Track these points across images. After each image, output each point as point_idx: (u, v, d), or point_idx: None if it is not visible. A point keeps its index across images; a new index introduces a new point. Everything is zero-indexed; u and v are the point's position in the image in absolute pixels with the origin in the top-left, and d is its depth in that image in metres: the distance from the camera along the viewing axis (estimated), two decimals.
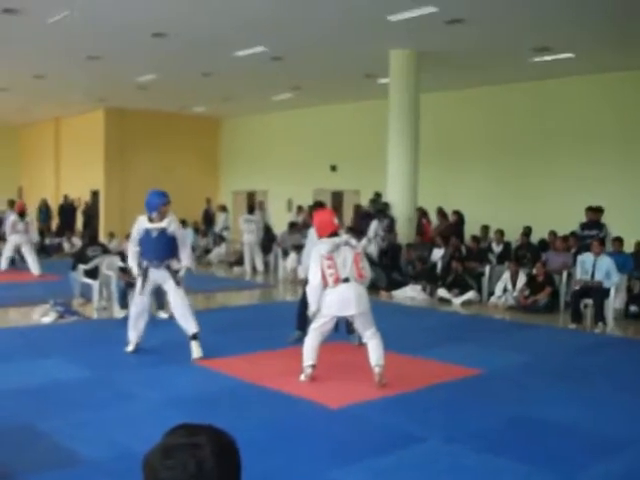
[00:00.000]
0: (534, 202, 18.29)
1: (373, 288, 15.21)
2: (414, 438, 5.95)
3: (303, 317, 9.73)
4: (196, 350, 8.63)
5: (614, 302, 12.15)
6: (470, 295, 14.26)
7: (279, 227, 20.92)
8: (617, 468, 5.44)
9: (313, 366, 7.65)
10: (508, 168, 19.13)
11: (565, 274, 13.76)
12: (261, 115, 26.88)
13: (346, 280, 7.36)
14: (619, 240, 13.63)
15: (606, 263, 12.00)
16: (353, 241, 7.71)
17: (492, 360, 8.97)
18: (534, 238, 16.47)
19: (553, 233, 15.91)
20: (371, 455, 5.54)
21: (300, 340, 8.14)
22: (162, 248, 8.71)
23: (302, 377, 7.66)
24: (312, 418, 6.51)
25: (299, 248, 17.89)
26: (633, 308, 12.66)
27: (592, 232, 14.00)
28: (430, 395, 7.35)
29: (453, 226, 17.59)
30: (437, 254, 16.10)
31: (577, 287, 12.27)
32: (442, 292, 14.50)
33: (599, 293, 11.96)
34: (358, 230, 16.73)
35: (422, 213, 18.02)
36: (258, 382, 7.66)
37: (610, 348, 10.20)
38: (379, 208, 17.61)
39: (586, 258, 12.27)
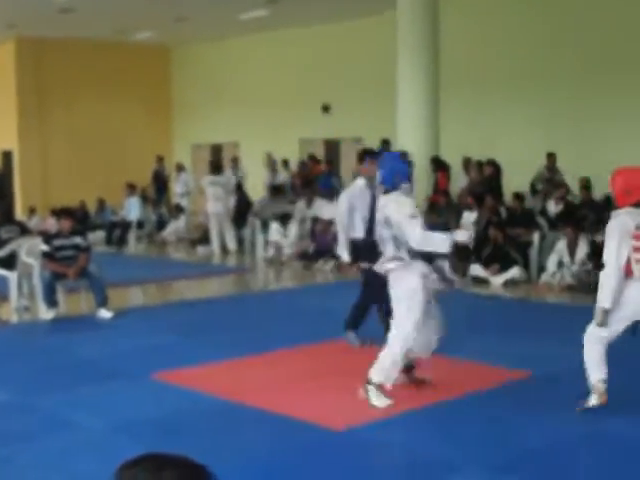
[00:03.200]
0: (598, 145, 18.19)
1: None
2: (447, 467, 5.97)
3: (360, 316, 9.76)
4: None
5: None
6: (514, 272, 14.28)
7: (254, 192, 20.89)
8: None
9: (605, 380, 7.30)
10: (564, 101, 18.99)
11: None
12: (225, 41, 26.71)
13: None
14: None
15: None
16: None
17: (546, 359, 8.96)
18: (597, 193, 16.44)
19: None
20: None
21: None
22: None
23: (593, 400, 7.22)
24: (310, 446, 6.49)
25: (285, 218, 17.92)
26: None
27: None
28: (465, 408, 7.35)
29: (487, 181, 17.58)
30: (468, 219, 16.07)
31: None
32: (477, 269, 14.51)
33: None
34: None
35: (438, 164, 17.98)
36: (236, 399, 7.65)
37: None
38: None
39: None
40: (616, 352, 8.20)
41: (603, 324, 7.12)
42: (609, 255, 6.97)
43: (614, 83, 18.09)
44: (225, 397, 7.72)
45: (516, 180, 17.46)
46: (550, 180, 17.02)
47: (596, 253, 13.55)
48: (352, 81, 23.02)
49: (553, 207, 16.28)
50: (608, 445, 6.39)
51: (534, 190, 17.25)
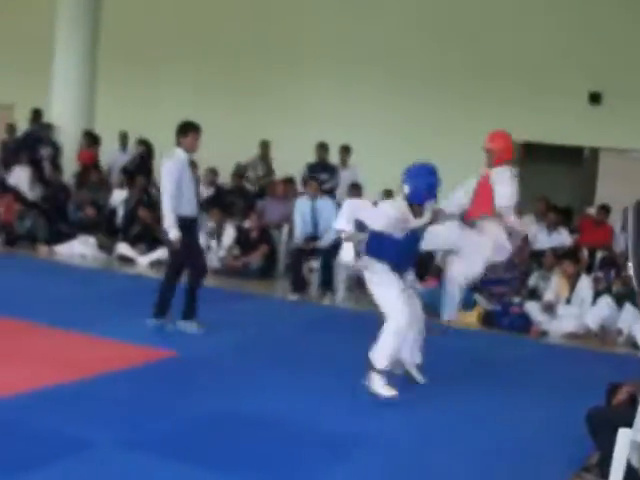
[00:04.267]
0: (251, 131, 18.47)
1: (29, 241, 14.72)
2: (79, 443, 5.78)
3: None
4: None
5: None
6: (161, 253, 14.19)
7: None
8: (348, 470, 5.71)
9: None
10: (219, 78, 19.11)
11: (286, 228, 14.13)
12: None
13: None
14: (356, 187, 14.21)
15: (328, 209, 12.54)
16: None
17: (190, 339, 8.98)
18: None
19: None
20: (14, 472, 5.23)
21: None
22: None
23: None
24: None
25: None
26: None
27: (321, 177, 14.47)
28: (104, 386, 7.20)
29: (138, 160, 17.36)
30: (118, 198, 15.85)
31: (300, 245, 12.74)
32: (124, 248, 14.33)
33: (326, 253, 12.46)
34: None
35: (92, 139, 17.53)
36: None
37: (338, 324, 10.63)
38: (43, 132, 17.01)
39: (301, 203, 12.82)
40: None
41: None
42: None
43: (280, 71, 18.50)
44: None
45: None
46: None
47: (242, 239, 13.82)
48: (5, 42, 21.95)
49: (204, 191, 16.35)
50: (242, 424, 6.45)
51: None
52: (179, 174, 8.99)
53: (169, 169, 9.05)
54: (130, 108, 19.67)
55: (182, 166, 9.06)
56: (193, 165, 9.48)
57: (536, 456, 6.36)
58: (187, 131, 9.20)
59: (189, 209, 9.17)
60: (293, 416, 6.71)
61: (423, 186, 7.33)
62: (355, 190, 14.21)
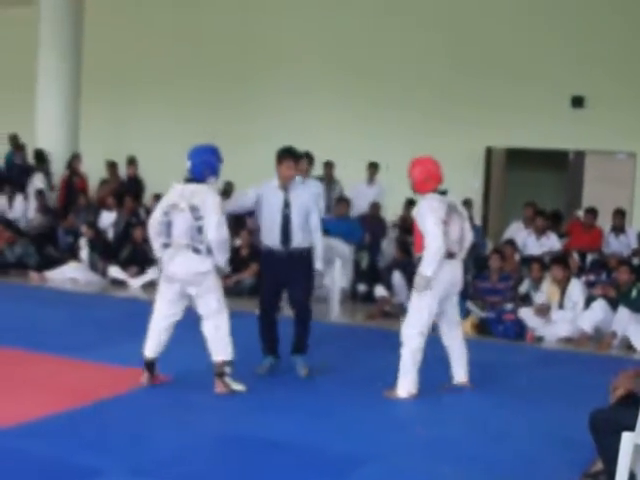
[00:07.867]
0: (237, 147, 18.46)
1: (20, 267, 14.63)
2: (88, 471, 5.74)
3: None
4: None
5: (339, 280, 12.60)
6: (153, 275, 14.14)
7: None
8: None
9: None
10: (201, 100, 19.16)
11: None
12: None
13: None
14: (344, 201, 14.18)
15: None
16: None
17: (186, 361, 8.91)
18: None
19: None
20: None
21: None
22: None
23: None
24: None
25: None
26: (362, 287, 13.26)
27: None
28: (104, 412, 7.17)
29: (128, 182, 17.35)
30: (107, 219, 15.79)
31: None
32: (115, 271, 14.24)
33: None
34: None
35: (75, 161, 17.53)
36: None
37: (335, 339, 10.57)
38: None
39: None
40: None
41: (427, 288, 7.76)
42: (434, 233, 7.63)
43: (258, 88, 18.50)
44: None
45: (158, 181, 17.28)
46: None
47: (234, 257, 13.75)
48: None
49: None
50: (243, 447, 6.43)
51: None
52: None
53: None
54: (116, 132, 19.68)
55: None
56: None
57: (537, 462, 6.34)
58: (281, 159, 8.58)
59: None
60: (297, 438, 6.67)
61: (200, 163, 7.82)
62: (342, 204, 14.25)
